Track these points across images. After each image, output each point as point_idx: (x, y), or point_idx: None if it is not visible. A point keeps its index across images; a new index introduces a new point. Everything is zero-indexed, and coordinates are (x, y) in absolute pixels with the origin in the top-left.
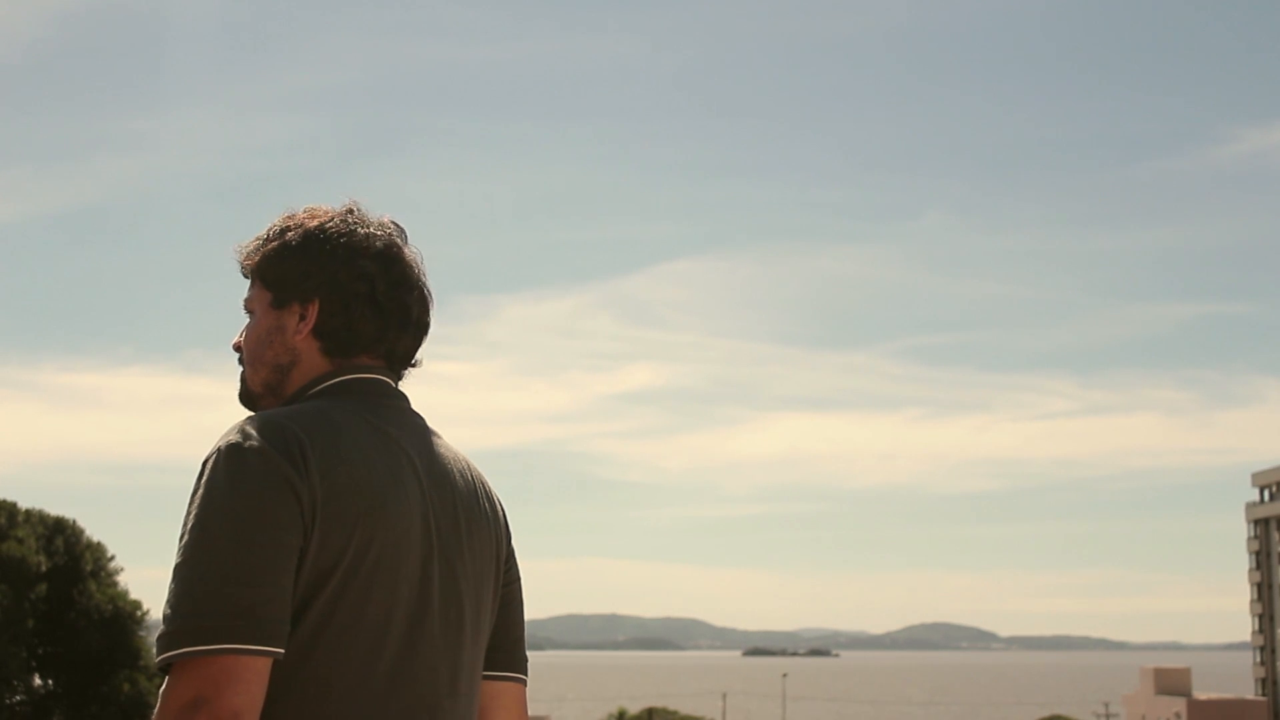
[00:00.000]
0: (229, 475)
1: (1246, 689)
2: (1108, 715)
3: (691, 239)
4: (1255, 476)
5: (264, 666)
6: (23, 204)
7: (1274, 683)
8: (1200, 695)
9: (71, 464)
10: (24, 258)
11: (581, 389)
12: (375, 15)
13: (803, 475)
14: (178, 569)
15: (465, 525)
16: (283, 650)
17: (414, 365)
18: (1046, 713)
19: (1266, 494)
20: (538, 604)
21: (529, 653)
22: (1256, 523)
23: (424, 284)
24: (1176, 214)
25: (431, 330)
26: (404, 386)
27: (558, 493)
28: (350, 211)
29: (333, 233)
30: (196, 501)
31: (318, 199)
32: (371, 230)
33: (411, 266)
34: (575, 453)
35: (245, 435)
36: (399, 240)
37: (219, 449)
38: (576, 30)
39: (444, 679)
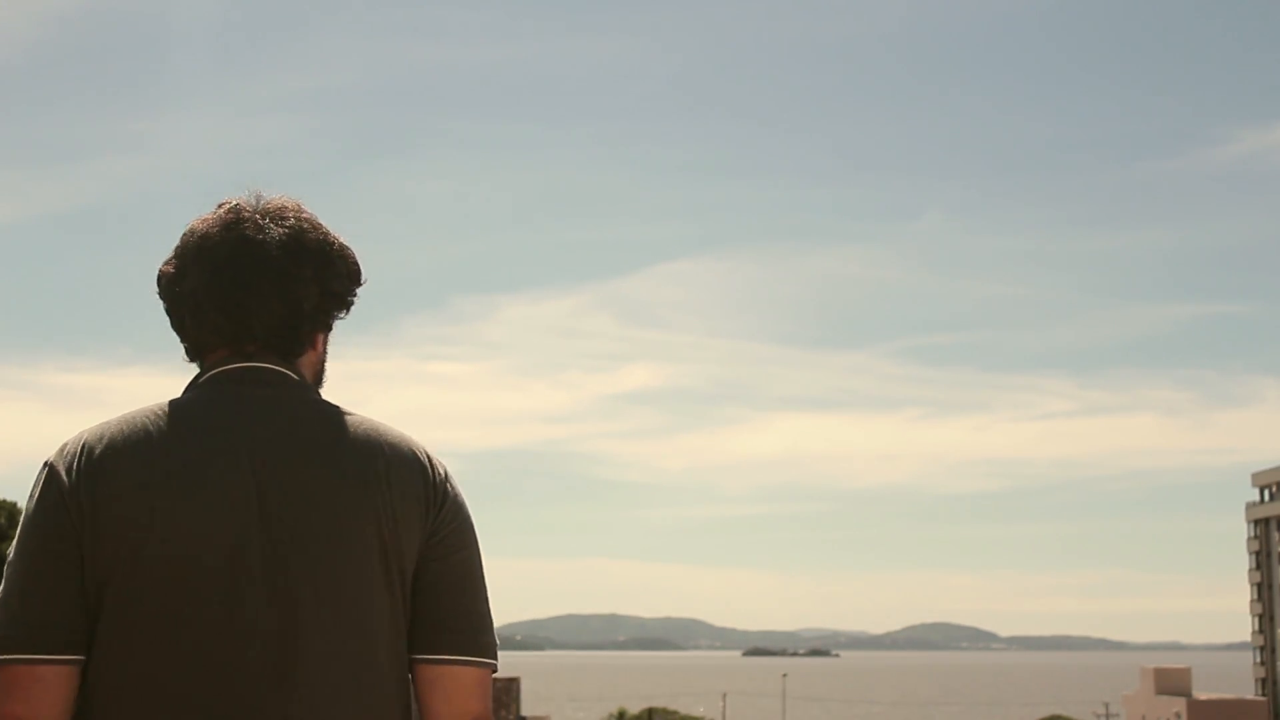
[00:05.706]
0: (31, 492)
1: (1246, 689)
2: (1108, 715)
3: (691, 239)
4: (1255, 476)
5: (52, 674)
6: (23, 204)
7: (1274, 683)
8: (1200, 695)
9: None
10: (24, 258)
11: (580, 389)
12: (375, 15)
13: (803, 475)
14: None
15: (326, 505)
16: (68, 657)
17: (291, 336)
18: (1046, 713)
19: (1266, 494)
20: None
21: (529, 652)
22: (1256, 523)
23: (272, 257)
24: (1176, 214)
25: (430, 331)
26: (400, 386)
27: (558, 493)
28: (204, 214)
29: (176, 248)
30: None
31: (317, 199)
32: (196, 226)
33: (232, 245)
34: (575, 453)
35: (56, 450)
36: (236, 229)
37: None
38: (576, 30)
39: (267, 671)
